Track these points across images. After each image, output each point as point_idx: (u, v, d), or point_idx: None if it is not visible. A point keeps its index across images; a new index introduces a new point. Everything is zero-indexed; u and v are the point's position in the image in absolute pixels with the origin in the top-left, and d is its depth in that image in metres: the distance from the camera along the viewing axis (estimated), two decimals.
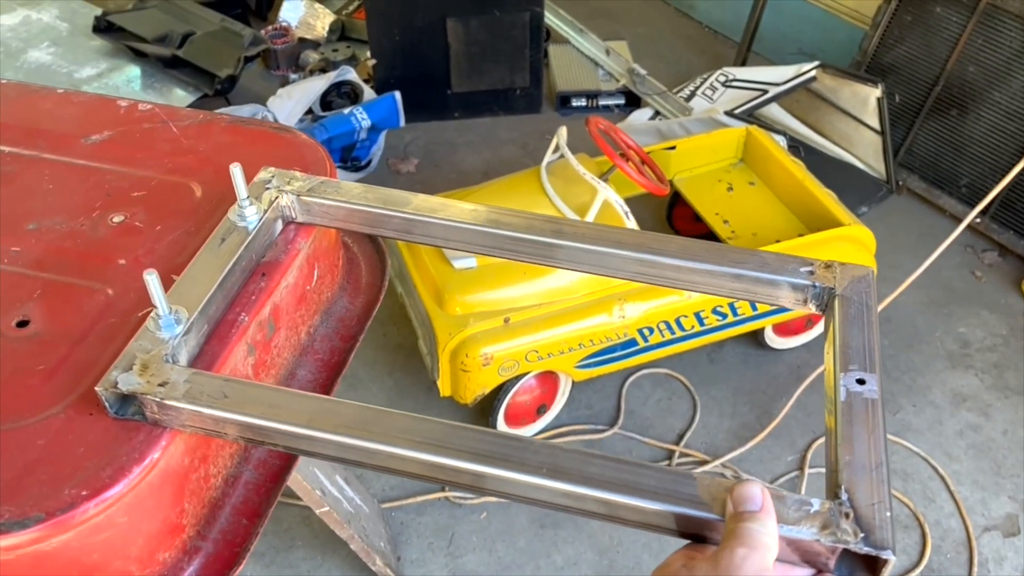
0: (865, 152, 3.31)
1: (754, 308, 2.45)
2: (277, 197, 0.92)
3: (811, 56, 3.64)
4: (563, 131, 2.43)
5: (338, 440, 0.71)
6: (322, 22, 4.14)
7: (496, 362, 2.19)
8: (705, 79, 3.61)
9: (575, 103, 3.75)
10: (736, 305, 2.40)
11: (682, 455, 2.45)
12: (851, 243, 2.50)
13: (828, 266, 0.85)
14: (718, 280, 0.86)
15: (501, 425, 2.39)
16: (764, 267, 0.85)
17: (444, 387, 2.29)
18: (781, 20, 3.87)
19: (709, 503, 0.66)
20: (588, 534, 2.28)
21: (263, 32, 3.91)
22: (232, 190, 0.90)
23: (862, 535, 0.64)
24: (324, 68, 3.77)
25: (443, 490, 2.35)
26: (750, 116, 3.28)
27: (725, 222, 2.73)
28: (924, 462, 2.45)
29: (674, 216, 3.09)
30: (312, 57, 3.93)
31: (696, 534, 0.69)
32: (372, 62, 3.56)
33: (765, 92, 3.30)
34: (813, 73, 3.30)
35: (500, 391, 2.33)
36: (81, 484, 0.71)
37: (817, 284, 0.84)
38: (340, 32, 4.14)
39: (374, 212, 0.92)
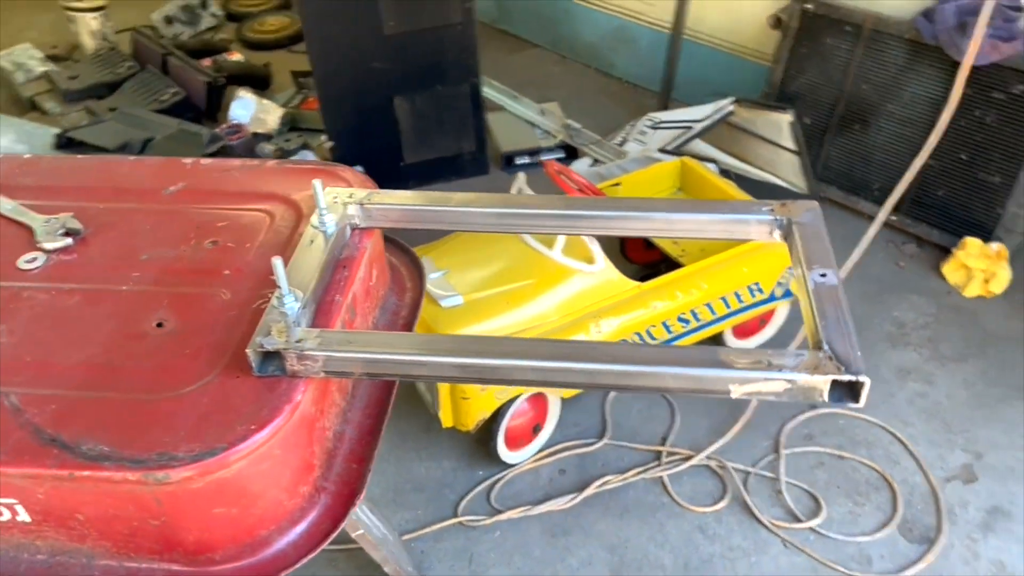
0: (786, 172, 3.66)
1: (713, 312, 2.71)
2: (345, 207, 1.14)
3: (724, 95, 4.02)
4: (521, 175, 2.70)
5: (441, 360, 0.92)
6: (273, 116, 4.39)
7: (493, 386, 2.39)
8: (634, 125, 3.96)
9: (519, 161, 4.05)
10: (698, 311, 2.66)
11: (669, 454, 2.67)
12: None
13: (783, 204, 1.11)
14: (704, 225, 1.11)
15: (502, 449, 2.58)
16: (735, 210, 1.11)
17: (446, 419, 2.48)
18: (693, 67, 4.27)
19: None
20: (596, 535, 2.46)
21: (218, 130, 4.15)
22: (296, 211, 1.13)
23: (844, 369, 0.88)
24: (280, 158, 4.01)
25: (456, 515, 2.51)
26: (680, 151, 3.62)
27: (675, 243, 3.01)
28: (883, 430, 2.71)
29: (627, 247, 3.36)
30: (267, 149, 4.16)
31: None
32: (329, 144, 3.82)
33: (691, 128, 3.65)
34: (730, 107, 3.66)
35: (497, 417, 2.52)
36: (248, 421, 0.91)
37: (779, 217, 1.09)
38: (291, 123, 4.40)
39: (422, 210, 1.15)
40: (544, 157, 4.04)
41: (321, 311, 1.04)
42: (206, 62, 4.92)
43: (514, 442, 2.63)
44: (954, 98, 2.59)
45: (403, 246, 1.37)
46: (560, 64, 5.08)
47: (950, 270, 3.21)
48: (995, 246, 3.14)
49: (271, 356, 0.95)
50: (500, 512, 2.52)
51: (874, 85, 3.41)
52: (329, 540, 0.98)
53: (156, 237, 1.18)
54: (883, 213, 2.76)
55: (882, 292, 3.23)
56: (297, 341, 0.94)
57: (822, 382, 0.88)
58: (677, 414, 2.79)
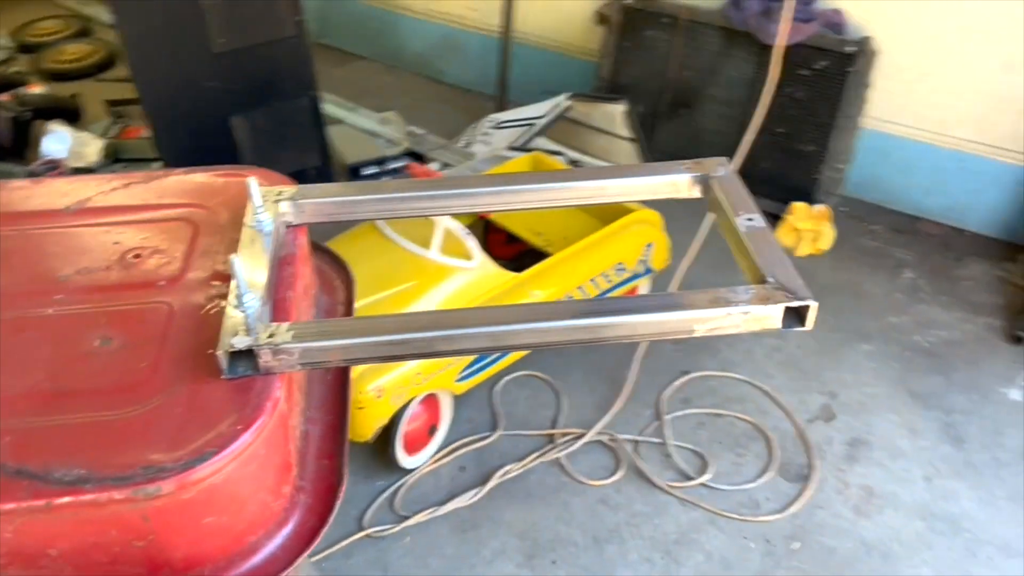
0: (624, 159, 3.86)
1: (586, 295, 2.82)
2: (277, 204, 1.12)
3: (557, 92, 4.18)
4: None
5: (425, 336, 0.93)
6: (92, 148, 4.12)
7: (388, 392, 2.38)
8: (476, 128, 4.04)
9: (364, 172, 4.03)
10: (572, 295, 2.76)
11: (562, 435, 2.75)
12: (643, 223, 2.96)
13: (697, 162, 1.20)
14: (632, 187, 1.18)
15: (401, 454, 2.57)
16: (657, 171, 1.19)
17: None
18: (524, 68, 4.41)
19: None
20: (505, 524, 2.50)
21: (33, 167, 3.85)
22: (215, 215, 1.10)
23: (794, 296, 0.97)
24: None
25: (362, 528, 2.47)
26: (528, 148, 3.73)
27: (539, 234, 3.11)
28: (750, 385, 2.93)
29: (489, 243, 3.42)
30: None
31: None
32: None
33: (534, 125, 3.77)
34: (567, 103, 3.82)
35: (394, 423, 2.50)
36: (232, 423, 0.88)
37: (697, 173, 1.18)
38: (114, 155, 4.15)
39: (354, 200, 1.15)
40: (391, 165, 4.04)
41: (277, 308, 1.02)
42: (4, 96, 4.54)
43: (412, 446, 2.62)
44: (772, 77, 2.85)
45: (321, 246, 1.35)
46: (390, 74, 5.10)
47: (782, 234, 3.51)
48: (818, 208, 3.46)
49: (239, 356, 0.93)
50: (407, 518, 2.50)
51: (695, 71, 3.67)
52: (319, 537, 0.97)
53: (71, 257, 1.10)
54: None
55: (727, 260, 3.45)
56: (269, 336, 0.92)
57: (776, 310, 0.96)
58: (562, 396, 2.88)
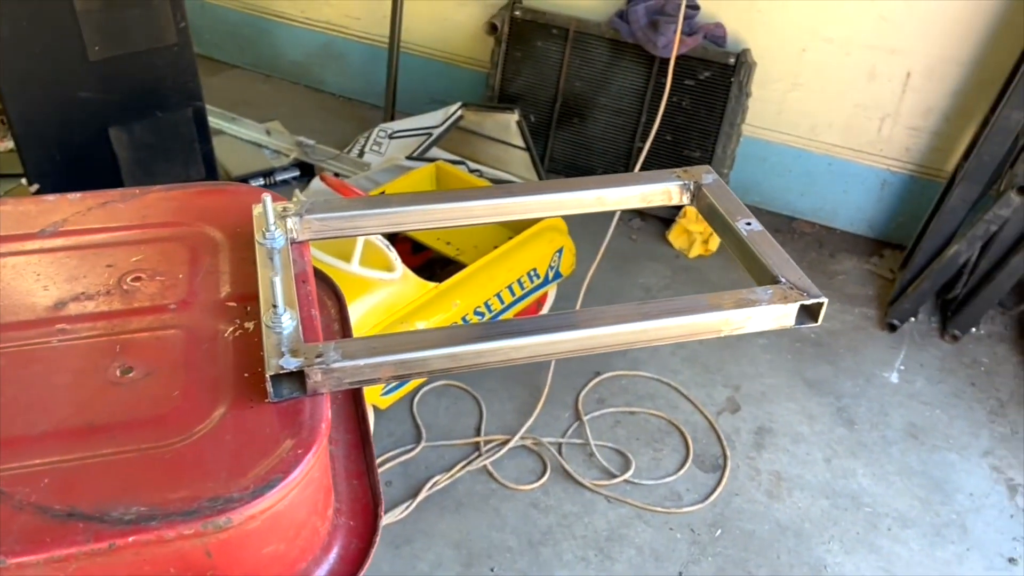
0: (518, 168, 3.92)
1: (502, 302, 2.85)
2: (284, 220, 1.09)
3: (444, 102, 4.19)
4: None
5: (475, 348, 0.93)
6: None
7: None
8: (368, 137, 3.99)
9: (254, 183, 3.89)
10: (491, 303, 2.79)
11: (486, 443, 2.77)
12: (552, 230, 3.03)
13: (685, 171, 1.25)
14: (629, 197, 1.22)
15: None
16: (649, 180, 1.24)
17: None
18: (411, 78, 4.39)
19: None
20: (439, 535, 2.49)
21: None
22: (208, 233, 1.07)
23: (807, 294, 1.04)
24: None
25: None
26: (423, 157, 3.72)
27: (448, 243, 3.11)
28: (659, 382, 3.05)
29: None
30: None
31: None
32: (34, 188, 3.37)
33: (429, 135, 3.77)
34: (460, 112, 3.84)
35: None
36: (294, 446, 0.85)
37: (687, 181, 1.23)
38: None
39: (363, 215, 1.13)
40: (279, 176, 3.93)
41: (304, 327, 0.99)
42: None
43: None
44: (667, 87, 2.98)
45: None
46: (266, 83, 4.95)
47: (674, 236, 3.67)
48: None
49: (282, 379, 0.90)
50: None
51: (585, 81, 3.78)
52: (369, 559, 0.95)
53: (62, 283, 1.02)
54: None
55: (625, 263, 3.60)
56: (317, 356, 0.89)
57: (792, 309, 1.03)
58: (482, 404, 2.90)
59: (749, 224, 1.14)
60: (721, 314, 1.01)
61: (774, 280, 1.06)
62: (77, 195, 1.17)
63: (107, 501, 0.78)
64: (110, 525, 0.76)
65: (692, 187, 1.24)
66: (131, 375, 0.92)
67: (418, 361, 0.92)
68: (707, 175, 1.24)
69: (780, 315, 1.03)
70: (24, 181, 3.48)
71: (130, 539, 0.76)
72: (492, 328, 0.95)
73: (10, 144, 3.90)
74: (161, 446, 0.84)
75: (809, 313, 1.05)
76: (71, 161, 3.44)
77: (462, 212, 1.16)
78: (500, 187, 1.18)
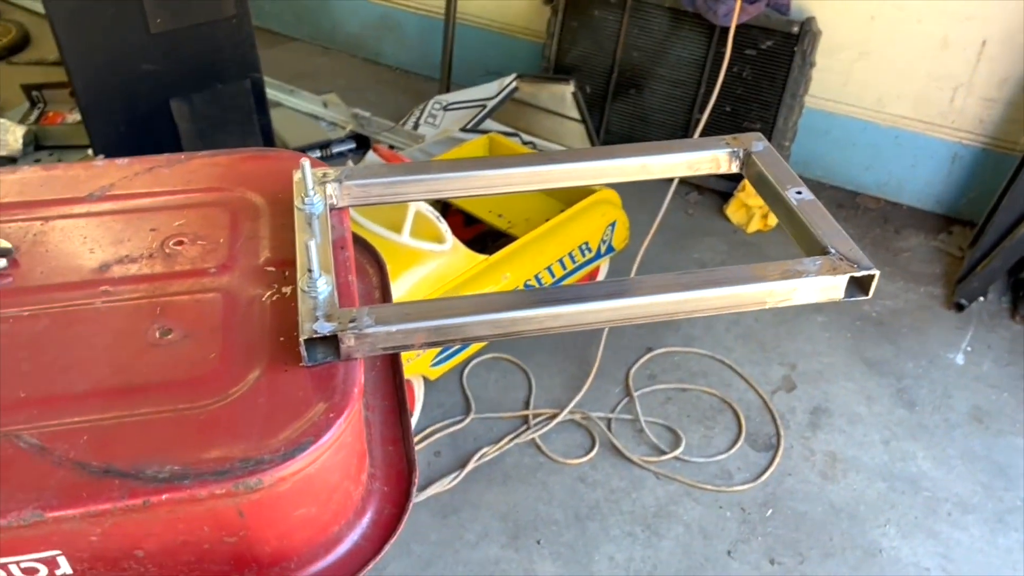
0: (573, 140, 3.88)
1: (553, 276, 2.82)
2: (324, 186, 1.09)
3: (499, 73, 4.16)
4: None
5: (510, 316, 0.92)
6: (13, 135, 3.90)
7: None
8: (423, 109, 3.99)
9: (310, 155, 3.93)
10: (541, 276, 2.77)
11: (535, 416, 2.76)
12: (605, 203, 2.99)
13: (735, 138, 1.21)
14: (675, 164, 1.18)
15: None
16: (697, 147, 1.20)
17: None
18: (466, 49, 4.37)
19: None
20: (485, 507, 2.50)
21: None
22: (249, 198, 1.07)
23: (858, 266, 0.99)
24: None
25: None
26: (478, 130, 3.71)
27: (500, 216, 3.10)
28: (712, 359, 3.00)
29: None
30: None
31: None
32: (100, 159, 3.46)
33: (484, 107, 3.75)
34: (515, 84, 3.80)
35: None
36: (326, 410, 0.85)
37: (736, 149, 1.19)
38: (35, 142, 3.94)
39: (402, 181, 1.12)
40: (336, 149, 3.96)
41: (341, 293, 0.99)
42: None
43: None
44: (727, 57, 2.90)
45: None
46: (324, 55, 4.98)
47: (732, 211, 3.59)
48: None
49: (317, 343, 0.90)
50: None
51: (643, 51, 3.71)
52: (402, 525, 0.95)
53: (107, 245, 1.04)
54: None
55: (681, 238, 3.54)
56: (351, 321, 0.89)
57: (841, 281, 0.99)
58: (532, 377, 2.89)
59: (799, 193, 1.10)
60: (766, 285, 0.97)
61: (823, 251, 1.02)
62: (125, 160, 1.19)
63: (143, 459, 0.80)
64: (145, 482, 0.77)
65: (741, 155, 1.19)
66: (170, 337, 0.93)
67: (451, 327, 0.91)
68: (757, 142, 1.20)
69: (828, 287, 0.99)
70: (90, 152, 3.57)
71: (163, 497, 0.77)
72: (529, 296, 0.93)
73: (77, 116, 4.02)
74: (196, 407, 0.85)
75: (860, 286, 1.00)
76: (134, 132, 3.51)
77: (503, 179, 1.15)
78: (542, 154, 1.16)
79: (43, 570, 0.80)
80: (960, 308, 3.17)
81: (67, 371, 0.88)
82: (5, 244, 1.01)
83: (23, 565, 0.79)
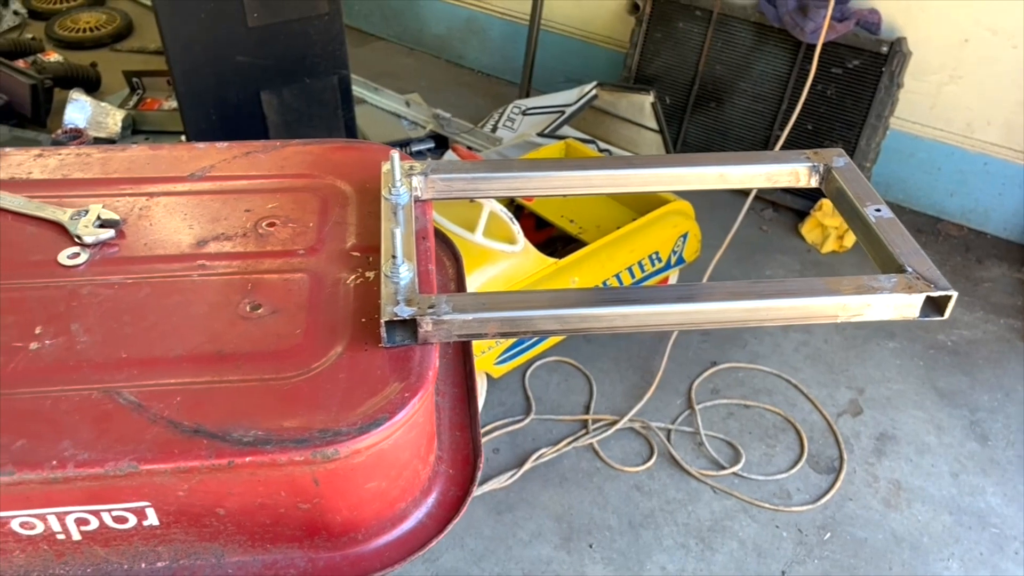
0: (649, 150, 3.88)
1: (621, 284, 2.84)
2: (410, 179, 1.13)
3: (579, 81, 4.19)
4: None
5: (582, 312, 0.94)
6: (113, 119, 4.08)
7: None
8: (502, 113, 4.04)
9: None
10: (609, 283, 2.78)
11: (594, 421, 2.78)
12: (678, 214, 2.99)
13: (816, 152, 1.22)
14: (754, 175, 1.19)
15: None
16: (777, 159, 1.21)
17: None
18: (548, 55, 4.41)
19: None
20: (540, 507, 2.53)
21: (55, 136, 3.81)
22: (339, 188, 1.12)
23: (934, 286, 0.99)
24: None
25: None
26: (555, 135, 3.74)
27: (571, 221, 3.13)
28: (778, 378, 2.97)
29: None
30: None
31: None
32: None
33: (562, 113, 3.78)
34: (594, 91, 3.83)
35: None
36: (402, 389, 0.89)
37: (816, 164, 1.20)
38: (132, 126, 4.12)
39: (484, 177, 1.16)
40: (415, 147, 4.04)
41: (421, 280, 1.03)
42: (21, 63, 4.49)
43: None
44: (811, 74, 2.88)
45: None
46: (410, 56, 5.08)
47: (807, 230, 3.55)
48: None
49: (396, 326, 0.94)
50: None
51: (726, 65, 3.69)
52: (466, 506, 0.98)
53: (205, 223, 1.10)
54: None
55: (753, 254, 3.51)
56: (430, 307, 0.93)
57: (917, 299, 0.98)
58: (593, 383, 2.91)
59: (879, 210, 1.10)
60: (839, 298, 0.98)
61: (900, 269, 1.02)
62: (224, 144, 1.25)
63: (229, 422, 0.85)
64: (231, 444, 0.83)
65: (821, 169, 1.20)
66: (259, 311, 0.98)
67: (524, 320, 0.94)
68: (838, 158, 1.20)
69: (903, 304, 0.99)
70: (183, 138, 3.73)
71: (247, 459, 0.82)
72: (600, 294, 0.96)
73: (173, 104, 4.19)
74: (281, 378, 0.90)
75: (936, 306, 1.00)
76: (225, 121, 3.65)
77: (581, 181, 1.17)
78: (620, 158, 1.18)
79: (132, 520, 0.86)
80: None
81: (165, 337, 0.94)
82: (114, 216, 1.08)
83: (114, 513, 0.85)
